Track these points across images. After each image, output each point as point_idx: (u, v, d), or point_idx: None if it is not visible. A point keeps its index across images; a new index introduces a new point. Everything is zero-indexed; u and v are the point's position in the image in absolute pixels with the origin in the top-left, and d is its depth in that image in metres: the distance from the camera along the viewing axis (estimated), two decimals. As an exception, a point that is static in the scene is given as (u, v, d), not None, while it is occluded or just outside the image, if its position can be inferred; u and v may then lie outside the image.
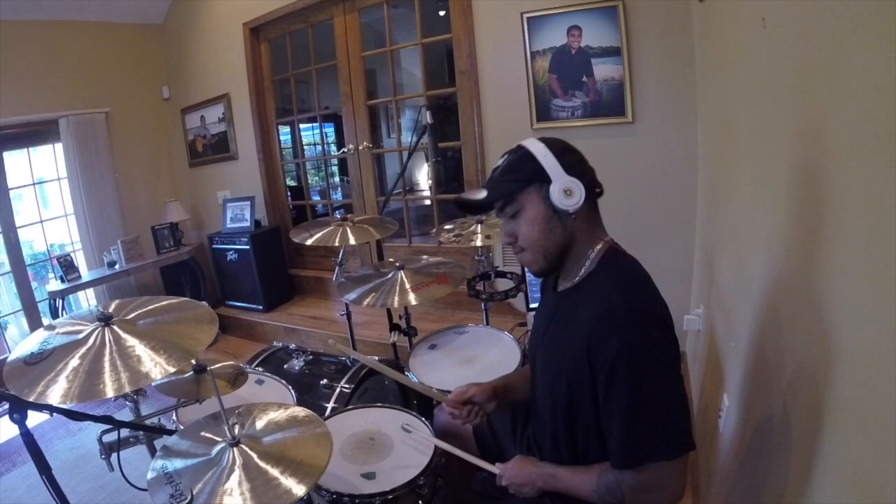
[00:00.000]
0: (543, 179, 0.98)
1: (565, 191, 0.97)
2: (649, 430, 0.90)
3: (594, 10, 2.50)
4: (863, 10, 0.61)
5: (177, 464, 1.00)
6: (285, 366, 2.01)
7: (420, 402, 1.85)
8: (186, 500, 0.90)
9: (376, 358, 1.80)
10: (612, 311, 0.91)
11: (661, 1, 2.37)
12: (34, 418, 1.09)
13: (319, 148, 5.42)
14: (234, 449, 1.00)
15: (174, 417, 1.58)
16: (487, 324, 2.09)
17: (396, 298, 1.67)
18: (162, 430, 1.40)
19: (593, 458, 1.01)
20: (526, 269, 2.11)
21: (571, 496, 1.03)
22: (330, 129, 5.68)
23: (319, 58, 3.70)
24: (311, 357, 2.06)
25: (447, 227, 2.13)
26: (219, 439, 1.05)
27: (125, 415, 1.40)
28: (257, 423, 1.11)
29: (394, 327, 2.04)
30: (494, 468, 1.14)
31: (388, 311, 2.14)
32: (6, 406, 1.05)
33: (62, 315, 3.27)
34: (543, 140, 1.02)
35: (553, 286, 1.13)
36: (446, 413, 1.31)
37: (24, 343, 1.10)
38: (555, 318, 1.07)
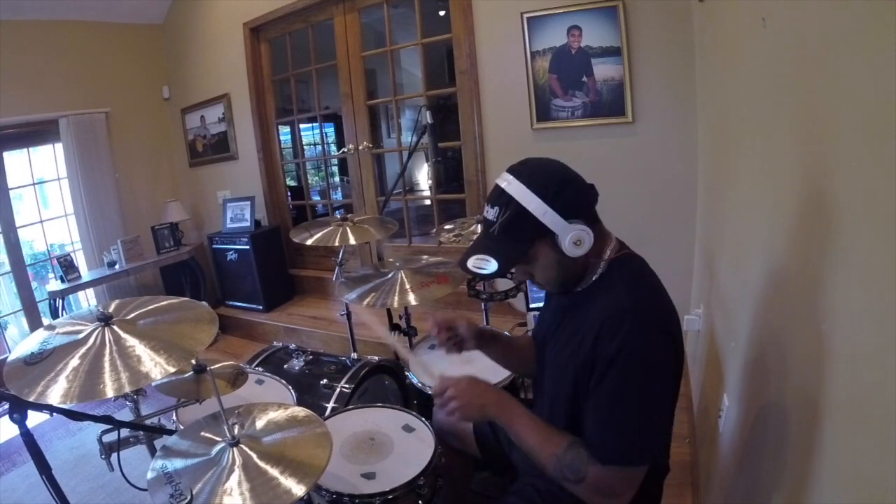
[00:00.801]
0: (548, 233, 0.95)
1: (575, 242, 0.94)
2: (627, 431, 0.91)
3: (594, 10, 2.50)
4: (863, 9, 0.61)
5: (176, 464, 1.00)
6: (285, 366, 2.02)
7: (420, 402, 1.85)
8: (186, 500, 0.90)
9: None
10: (623, 311, 0.92)
11: (661, 1, 2.37)
12: (34, 418, 1.09)
13: (319, 148, 5.42)
14: (234, 449, 1.00)
15: (174, 417, 1.58)
16: (487, 324, 2.09)
17: (396, 298, 1.67)
18: (162, 430, 1.40)
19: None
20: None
21: (521, 444, 1.01)
22: (330, 129, 5.68)
23: (319, 58, 3.70)
24: (311, 357, 2.06)
25: (447, 227, 2.13)
26: (218, 439, 1.05)
27: (125, 415, 1.40)
28: (257, 423, 1.11)
29: (394, 327, 2.04)
30: (434, 375, 1.10)
31: (388, 311, 2.14)
32: (6, 406, 1.05)
33: (62, 315, 3.27)
34: (530, 183, 0.94)
35: None
36: (444, 413, 1.30)
37: (24, 343, 1.10)
38: (566, 317, 1.07)
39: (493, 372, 1.62)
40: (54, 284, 3.41)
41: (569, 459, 0.94)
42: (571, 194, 0.96)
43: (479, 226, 1.04)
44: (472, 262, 1.00)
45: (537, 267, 1.00)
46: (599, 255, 1.01)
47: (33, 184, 3.83)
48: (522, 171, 0.97)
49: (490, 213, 0.98)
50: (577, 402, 1.00)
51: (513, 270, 1.05)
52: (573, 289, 1.04)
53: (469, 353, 1.78)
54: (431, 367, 1.15)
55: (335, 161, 5.44)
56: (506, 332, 1.46)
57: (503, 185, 0.97)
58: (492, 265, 0.97)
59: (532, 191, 0.93)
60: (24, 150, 3.76)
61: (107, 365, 1.00)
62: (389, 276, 1.76)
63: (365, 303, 1.68)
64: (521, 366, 1.34)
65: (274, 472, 0.95)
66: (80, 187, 3.79)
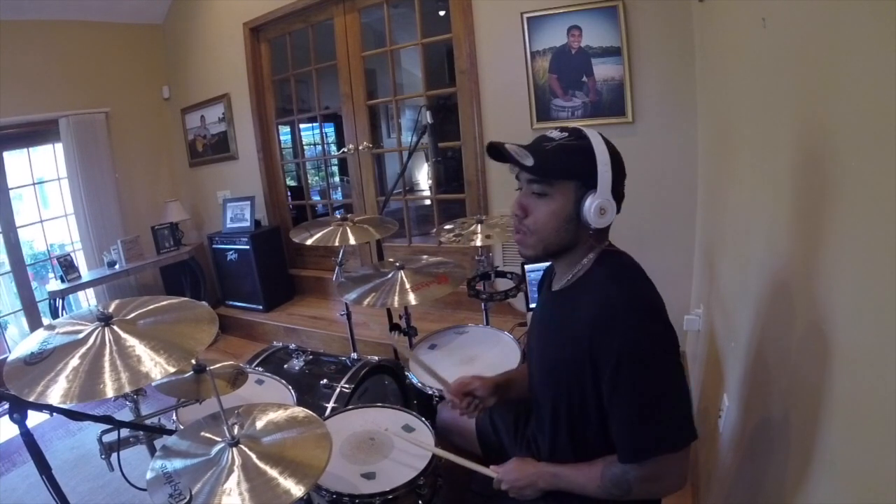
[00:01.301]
0: (589, 184, 0.95)
1: (601, 209, 0.94)
2: (656, 424, 0.91)
3: (594, 10, 2.50)
4: (863, 9, 0.61)
5: (176, 464, 1.00)
6: (285, 366, 2.02)
7: (420, 403, 1.85)
8: (185, 500, 0.90)
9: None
10: (612, 304, 0.92)
11: (661, 1, 2.37)
12: (34, 418, 1.09)
13: (319, 148, 5.42)
14: (234, 449, 1.00)
15: (174, 417, 1.58)
16: (487, 324, 2.09)
17: (396, 298, 1.67)
18: (162, 430, 1.40)
19: (595, 453, 1.01)
20: (524, 267, 2.12)
21: (574, 493, 1.03)
22: (330, 129, 5.68)
23: (319, 58, 3.70)
24: (311, 357, 2.06)
25: (447, 227, 2.13)
26: (218, 439, 1.05)
27: (125, 415, 1.40)
28: (257, 424, 1.11)
29: (394, 327, 2.04)
30: (491, 472, 1.12)
31: (388, 311, 2.14)
32: (6, 406, 1.05)
33: (62, 315, 3.27)
34: (608, 143, 0.97)
35: (548, 286, 1.13)
36: (449, 409, 1.30)
37: (24, 343, 1.10)
38: (552, 317, 1.08)
39: (495, 370, 1.62)
40: (54, 284, 3.41)
41: (608, 481, 0.96)
42: (624, 182, 0.99)
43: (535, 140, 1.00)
44: (511, 146, 0.96)
45: (548, 205, 0.97)
46: (588, 250, 1.01)
47: (33, 184, 3.83)
48: (601, 133, 1.00)
49: (556, 134, 0.98)
50: (573, 401, 1.00)
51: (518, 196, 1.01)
52: (548, 258, 1.05)
53: (470, 353, 1.79)
54: (485, 467, 1.16)
55: (335, 161, 5.43)
56: (513, 369, 1.45)
57: (581, 127, 0.99)
58: (528, 159, 0.94)
59: (608, 148, 0.97)
60: (24, 150, 3.76)
61: (107, 365, 1.00)
62: (389, 276, 1.77)
63: (365, 302, 1.67)
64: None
65: (273, 472, 0.95)
66: (80, 187, 3.79)
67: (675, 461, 0.93)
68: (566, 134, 0.97)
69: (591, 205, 0.94)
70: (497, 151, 0.97)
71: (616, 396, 0.93)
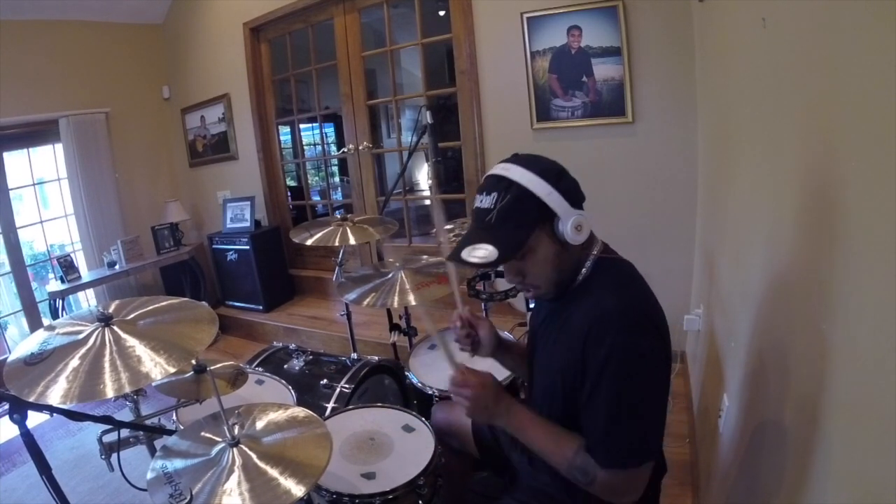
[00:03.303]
0: (550, 217, 0.92)
1: (576, 227, 0.92)
2: (630, 433, 0.91)
3: (594, 10, 2.49)
4: (863, 9, 0.61)
5: (176, 464, 1.01)
6: (285, 366, 2.02)
7: (420, 402, 1.85)
8: (186, 500, 0.90)
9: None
10: (608, 313, 0.92)
11: (661, 1, 2.37)
12: (34, 418, 1.09)
13: (319, 148, 5.42)
14: (234, 449, 1.00)
15: (174, 417, 1.58)
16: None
17: (396, 298, 1.67)
18: (162, 430, 1.40)
19: None
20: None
21: (533, 450, 1.01)
22: (330, 129, 5.68)
23: (319, 58, 3.70)
24: (311, 357, 2.06)
25: (447, 227, 2.12)
26: (218, 439, 1.05)
27: (125, 415, 1.40)
28: (257, 424, 1.11)
29: (394, 327, 2.04)
30: (456, 369, 1.06)
31: (388, 311, 2.14)
32: (6, 406, 1.04)
33: (62, 315, 3.27)
34: (530, 167, 0.93)
35: None
36: (444, 410, 1.30)
37: (24, 343, 1.10)
38: (553, 322, 1.07)
39: (496, 370, 1.63)
40: (54, 285, 3.40)
41: (579, 463, 0.95)
42: (570, 181, 0.95)
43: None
44: (467, 253, 0.92)
45: (534, 261, 0.96)
46: (587, 254, 1.00)
47: (33, 184, 3.83)
48: (518, 159, 0.96)
49: (485, 200, 0.94)
50: (569, 404, 1.00)
51: (503, 273, 1.02)
52: (564, 293, 1.02)
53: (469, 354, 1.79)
54: (455, 358, 1.09)
55: (335, 161, 5.44)
56: (519, 341, 1.43)
57: (500, 171, 0.94)
58: (490, 253, 0.90)
59: (534, 173, 0.92)
60: (24, 150, 3.75)
61: (107, 365, 1.00)
62: (389, 276, 1.76)
63: (365, 303, 1.67)
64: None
65: (274, 472, 0.95)
66: (80, 187, 3.79)
67: (638, 476, 0.94)
68: (495, 193, 0.92)
69: (563, 230, 0.92)
70: (462, 262, 0.93)
71: (594, 397, 0.92)
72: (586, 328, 0.93)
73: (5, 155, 3.55)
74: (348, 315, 2.19)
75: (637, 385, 0.90)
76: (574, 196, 0.94)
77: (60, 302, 3.30)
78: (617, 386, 0.90)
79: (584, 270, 1.01)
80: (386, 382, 2.06)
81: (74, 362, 1.00)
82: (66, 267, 3.43)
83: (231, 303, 4.08)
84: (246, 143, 4.08)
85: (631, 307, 0.93)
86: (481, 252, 0.91)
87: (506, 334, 1.88)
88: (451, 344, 1.22)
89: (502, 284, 2.23)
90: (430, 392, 1.63)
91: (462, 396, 1.03)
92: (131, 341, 1.06)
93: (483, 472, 1.57)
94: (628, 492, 0.95)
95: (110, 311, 1.15)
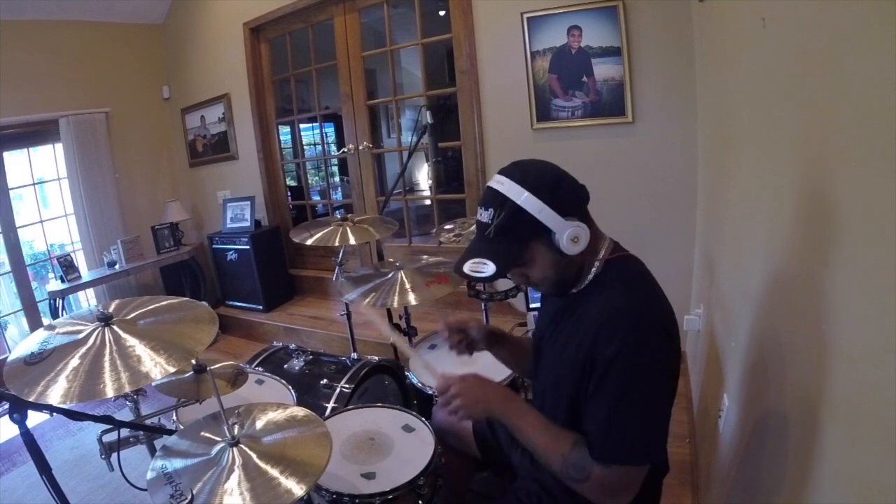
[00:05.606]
0: (546, 231, 0.94)
1: (572, 240, 0.93)
2: (630, 431, 0.91)
3: (594, 10, 2.49)
4: (863, 9, 0.61)
5: (176, 464, 1.00)
6: (285, 366, 2.02)
7: (420, 402, 1.85)
8: (186, 500, 0.90)
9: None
10: (619, 313, 0.92)
11: (661, 1, 2.37)
12: (34, 418, 1.09)
13: (319, 148, 5.42)
14: (234, 449, 1.00)
15: (174, 417, 1.58)
16: (488, 324, 2.09)
17: (396, 298, 1.67)
18: (162, 430, 1.40)
19: None
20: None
21: (527, 446, 1.02)
22: (330, 129, 5.68)
23: (319, 58, 3.70)
24: (311, 357, 2.06)
25: (447, 227, 2.13)
26: (218, 439, 1.05)
27: (125, 415, 1.40)
28: (257, 423, 1.11)
29: (394, 327, 2.03)
30: (439, 375, 1.08)
31: (389, 311, 2.14)
32: (6, 406, 1.04)
33: (62, 315, 3.27)
34: (523, 181, 0.94)
35: None
36: (444, 412, 1.30)
37: (24, 343, 1.10)
38: (563, 319, 1.07)
39: (493, 371, 1.63)
40: (54, 284, 3.40)
41: (574, 458, 0.94)
42: (566, 191, 0.95)
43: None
44: (468, 267, 0.98)
45: (534, 268, 0.99)
46: (594, 255, 1.01)
47: (33, 184, 3.83)
48: (514, 171, 0.97)
49: (484, 215, 0.97)
50: (575, 405, 1.00)
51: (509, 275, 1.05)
52: (570, 290, 1.03)
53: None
54: (433, 366, 1.14)
55: (335, 161, 5.43)
56: (513, 334, 1.44)
57: (496, 186, 0.96)
58: (489, 268, 0.96)
59: (526, 189, 0.93)
60: (24, 150, 3.76)
61: (107, 365, 1.00)
62: (389, 276, 1.76)
63: (365, 303, 1.68)
64: (528, 366, 1.33)
65: (274, 472, 0.95)
66: (80, 187, 3.79)
67: (634, 476, 0.93)
68: (491, 210, 0.95)
69: (559, 243, 0.93)
70: (464, 275, 0.99)
71: (599, 393, 0.92)
72: (596, 328, 0.93)
73: (5, 155, 3.55)
74: (348, 315, 2.19)
75: (643, 384, 0.90)
76: (571, 206, 0.95)
77: (60, 301, 3.30)
78: (622, 383, 0.90)
79: (592, 272, 1.01)
80: (386, 382, 2.06)
81: (74, 362, 1.00)
82: (66, 266, 3.43)
83: (231, 303, 4.08)
84: (246, 143, 4.08)
85: (642, 308, 0.93)
86: (482, 268, 0.97)
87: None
88: (429, 357, 1.23)
89: (502, 284, 2.23)
90: (430, 392, 1.63)
91: (452, 399, 1.05)
92: (131, 341, 1.06)
93: (483, 472, 1.57)
94: (622, 492, 0.94)
95: (110, 310, 1.15)
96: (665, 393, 0.94)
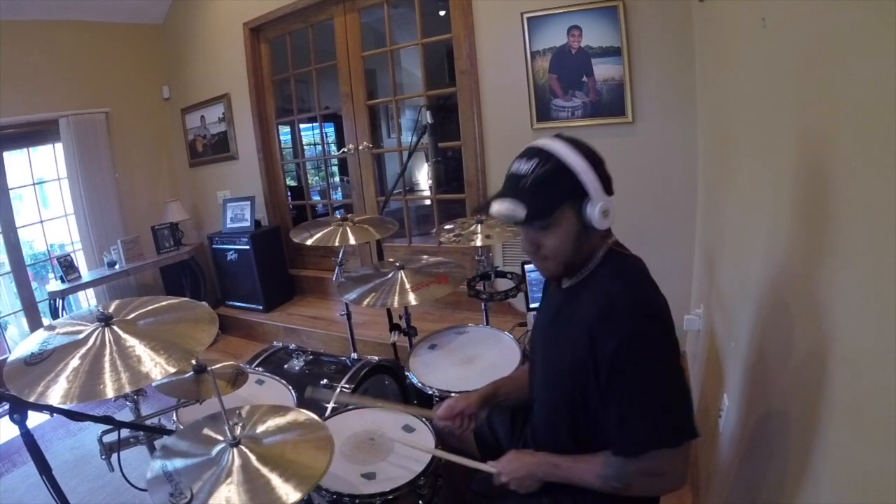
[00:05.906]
0: (581, 196, 0.94)
1: (604, 211, 0.93)
2: (649, 422, 0.92)
3: (594, 10, 2.49)
4: (863, 9, 0.61)
5: (176, 463, 1.00)
6: (285, 366, 2.02)
7: (420, 402, 1.85)
8: (186, 500, 0.90)
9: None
10: (613, 304, 0.93)
11: (661, 1, 2.37)
12: (34, 418, 1.09)
13: (319, 148, 5.42)
14: (234, 449, 1.00)
15: (174, 417, 1.58)
16: (487, 324, 2.09)
17: (396, 298, 1.67)
18: (162, 430, 1.40)
19: (596, 449, 1.01)
20: (524, 267, 2.12)
21: (574, 484, 1.02)
22: (330, 129, 5.68)
23: (319, 58, 3.70)
24: (311, 357, 2.06)
25: (447, 227, 2.13)
26: (219, 439, 1.05)
27: (125, 415, 1.40)
28: (258, 425, 1.11)
29: (394, 327, 2.04)
30: (490, 468, 1.12)
31: (388, 311, 2.14)
32: (6, 406, 1.05)
33: (62, 315, 3.27)
34: (573, 146, 0.95)
35: (557, 283, 1.13)
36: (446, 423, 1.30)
37: (24, 343, 1.10)
38: (560, 313, 1.08)
39: (495, 370, 1.63)
40: (54, 284, 3.40)
41: (608, 472, 0.96)
42: (606, 171, 0.98)
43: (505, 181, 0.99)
44: (496, 206, 0.95)
45: (554, 236, 0.97)
46: (600, 246, 1.02)
47: (33, 184, 3.83)
48: (562, 137, 0.97)
49: (523, 167, 0.95)
50: (575, 400, 1.01)
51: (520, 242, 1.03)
52: (572, 274, 1.04)
53: (469, 353, 1.79)
54: (486, 467, 1.13)
55: (335, 161, 5.43)
56: (498, 378, 1.40)
57: (543, 144, 0.96)
58: (519, 211, 0.92)
59: (575, 150, 0.94)
60: (24, 150, 3.76)
61: (107, 365, 1.00)
62: (389, 276, 1.76)
63: (365, 302, 1.67)
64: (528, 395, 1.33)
65: (273, 473, 0.95)
66: (80, 187, 3.79)
67: (672, 457, 0.93)
68: (534, 161, 0.94)
69: (592, 212, 0.94)
70: (490, 210, 0.97)
71: (610, 392, 0.93)
72: (591, 319, 0.94)
73: (5, 155, 3.55)
74: (348, 315, 2.20)
75: (650, 372, 0.91)
76: (607, 185, 0.97)
77: (60, 302, 3.30)
78: (630, 378, 0.91)
79: (593, 261, 1.02)
80: (386, 382, 2.06)
81: (74, 362, 1.00)
82: (66, 267, 3.43)
83: (231, 303, 4.08)
84: (246, 143, 4.08)
85: (637, 299, 0.94)
86: (510, 208, 0.93)
87: (506, 333, 1.89)
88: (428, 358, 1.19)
89: (502, 284, 2.23)
90: (430, 392, 1.63)
91: (514, 484, 1.07)
92: (131, 341, 1.06)
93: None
94: (668, 474, 0.94)
95: (110, 310, 1.15)
96: (672, 373, 0.94)
